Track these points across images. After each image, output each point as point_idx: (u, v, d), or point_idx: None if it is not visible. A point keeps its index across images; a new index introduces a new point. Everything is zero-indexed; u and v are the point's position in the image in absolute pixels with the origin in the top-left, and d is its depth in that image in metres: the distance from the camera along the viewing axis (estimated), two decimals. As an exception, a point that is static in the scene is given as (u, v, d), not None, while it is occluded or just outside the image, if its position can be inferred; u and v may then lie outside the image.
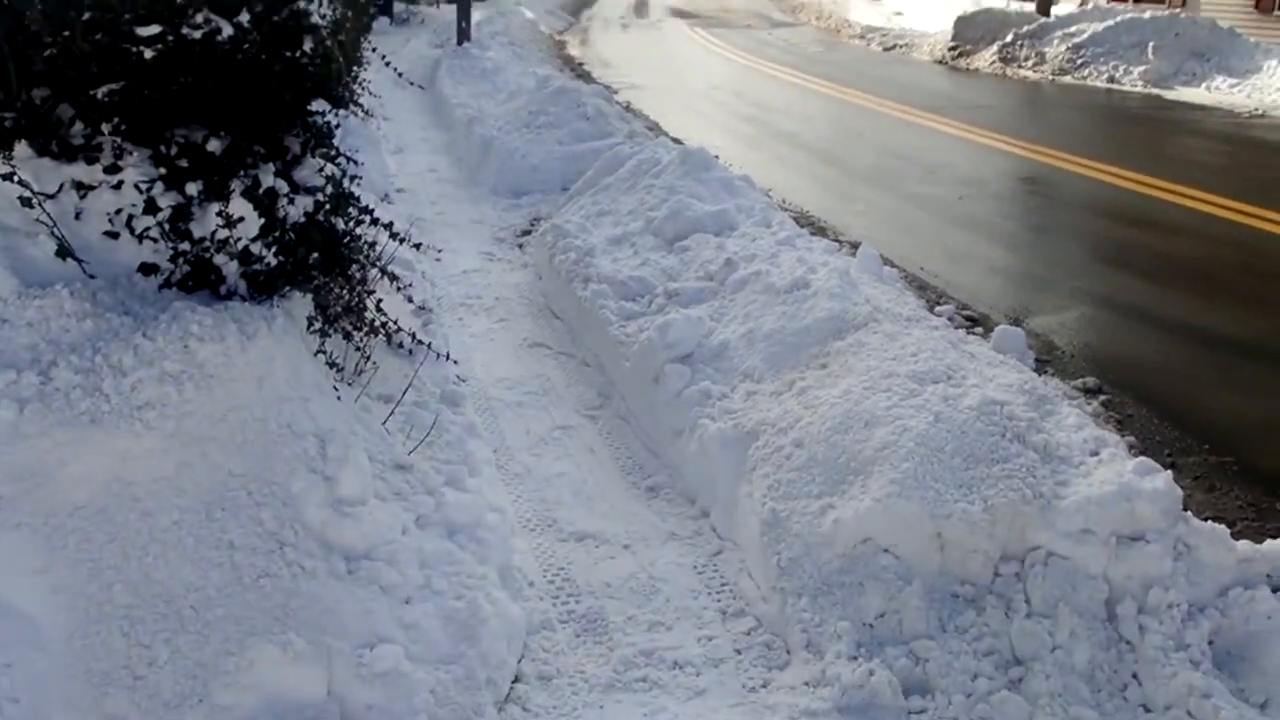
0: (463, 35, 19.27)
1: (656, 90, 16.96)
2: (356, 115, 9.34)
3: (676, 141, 10.95)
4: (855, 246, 6.76)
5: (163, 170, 3.55)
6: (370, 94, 9.57)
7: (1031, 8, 22.31)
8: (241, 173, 3.63)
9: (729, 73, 19.87)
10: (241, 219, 3.49)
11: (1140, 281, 7.35)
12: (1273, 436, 5.08)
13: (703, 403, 4.58)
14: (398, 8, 24.19)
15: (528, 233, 8.12)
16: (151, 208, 3.48)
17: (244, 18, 3.36)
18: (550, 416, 5.10)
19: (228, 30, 3.31)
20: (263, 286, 3.58)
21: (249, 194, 3.59)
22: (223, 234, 3.42)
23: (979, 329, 6.12)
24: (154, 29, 3.22)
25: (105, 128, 3.47)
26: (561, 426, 5.00)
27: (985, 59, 19.76)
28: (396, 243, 4.71)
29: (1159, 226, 8.72)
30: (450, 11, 21.56)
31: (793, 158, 11.87)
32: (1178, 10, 19.11)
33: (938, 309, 6.30)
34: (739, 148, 12.14)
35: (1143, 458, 3.76)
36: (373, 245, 4.52)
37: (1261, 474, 4.67)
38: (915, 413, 3.86)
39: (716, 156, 9.96)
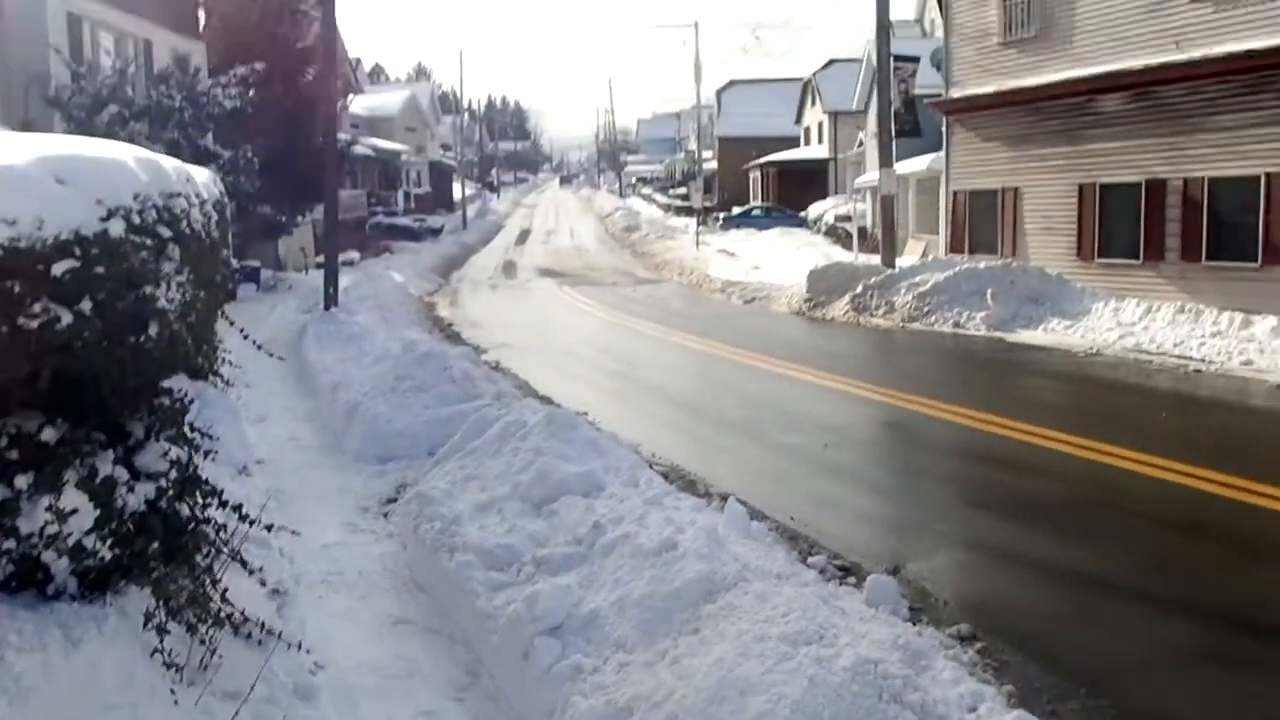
0: (330, 300, 19.43)
1: (525, 348, 17.23)
2: (215, 386, 9.19)
3: (544, 400, 11.05)
4: (724, 499, 6.78)
5: (-9, 463, 3.37)
6: (230, 364, 9.46)
7: (878, 260, 23.67)
8: (78, 462, 3.47)
9: (596, 329, 20.40)
10: (75, 511, 3.32)
11: (1004, 522, 7.51)
12: (1146, 674, 5.10)
13: (574, 678, 4.39)
14: (265, 274, 24.38)
15: (393, 500, 7.95)
16: (-26, 503, 3.27)
17: (85, 305, 3.29)
18: (415, 702, 4.81)
19: (67, 319, 3.23)
20: (95, 583, 3.36)
21: (84, 484, 3.43)
22: (52, 529, 3.23)
23: (852, 579, 6.10)
24: (-13, 320, 3.13)
25: (-71, 422, 3.30)
26: (426, 713, 4.71)
27: (839, 309, 20.72)
28: (247, 525, 4.52)
29: (1016, 466, 9.01)
30: (319, 277, 21.82)
31: (659, 411, 12.06)
32: (1010, 260, 20.48)
33: (810, 560, 6.28)
34: (607, 403, 12.28)
35: (1021, 711, 3.70)
36: (222, 528, 4.32)
37: (1139, 715, 4.64)
38: (789, 678, 3.76)
39: (584, 413, 10.05)
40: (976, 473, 9.09)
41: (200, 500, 3.99)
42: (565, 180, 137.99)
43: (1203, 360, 14.10)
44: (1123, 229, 19.18)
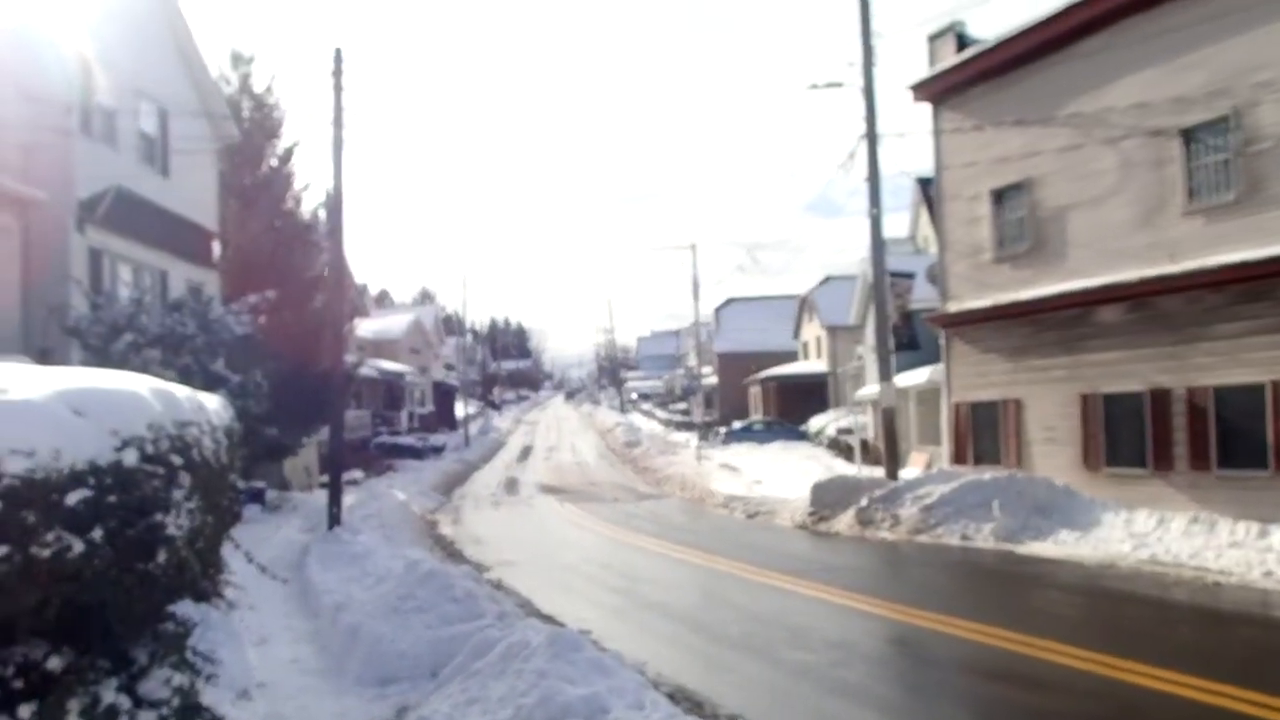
0: (333, 520, 19.45)
1: (527, 566, 17.10)
2: (219, 608, 9.11)
3: (547, 619, 10.92)
4: (732, 722, 6.62)
5: (-7, 694, 3.35)
6: (234, 585, 9.40)
7: (881, 472, 23.71)
8: (81, 690, 3.45)
9: (598, 545, 20.26)
10: (75, 743, 3.27)
11: (1019, 742, 7.30)
12: None
13: None
14: (270, 495, 24.41)
15: (393, 726, 7.74)
16: (-26, 736, 3.24)
17: (97, 534, 3.35)
18: None
19: (79, 548, 3.28)
20: (92, 819, 3.29)
21: (87, 713, 3.40)
22: (52, 763, 3.19)
23: (866, 806, 5.89)
24: (1, 549, 3.17)
25: (-66, 652, 3.30)
26: None
27: (844, 522, 20.62)
28: (246, 755, 4.43)
29: (1031, 683, 8.81)
30: (323, 496, 21.87)
31: (663, 628, 11.86)
32: (1015, 470, 20.50)
33: (822, 786, 6.08)
34: (610, 621, 12.11)
35: None
36: (221, 758, 4.24)
37: None
38: None
39: (588, 632, 9.91)
40: (990, 691, 8.87)
41: (200, 729, 3.93)
42: (570, 395, 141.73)
43: (1221, 572, 13.93)
44: (1129, 438, 19.29)
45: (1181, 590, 13.12)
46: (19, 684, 3.31)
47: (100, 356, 15.80)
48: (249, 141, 30.25)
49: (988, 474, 19.77)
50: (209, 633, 7.97)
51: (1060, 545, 16.86)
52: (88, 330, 16.27)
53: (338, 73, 21.14)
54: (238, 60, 32.31)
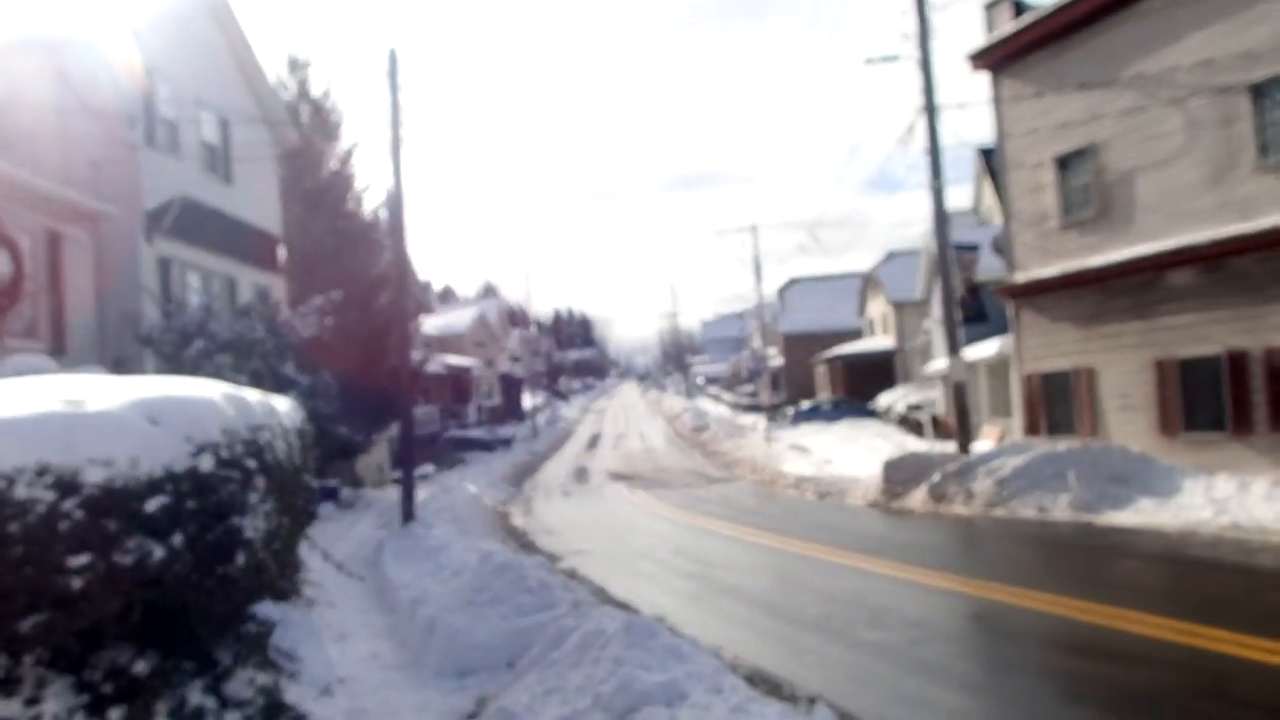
0: (407, 515, 19.69)
1: (600, 554, 17.17)
2: (298, 607, 9.28)
3: (622, 607, 10.94)
4: (812, 703, 6.60)
5: (85, 697, 3.43)
6: (312, 584, 9.57)
7: (953, 447, 23.45)
8: (168, 693, 3.52)
9: (669, 531, 20.28)
10: (165, 745, 3.34)
11: (1105, 716, 7.17)
12: None
13: None
14: (343, 492, 24.78)
15: (473, 716, 7.82)
16: (68, 740, 3.32)
17: (176, 540, 3.41)
18: None
19: (159, 553, 3.35)
20: (184, 818, 3.36)
21: (175, 716, 3.47)
22: (143, 765, 3.26)
23: (950, 785, 5.83)
24: (84, 558, 3.25)
25: (28, 659, 3.39)
26: None
27: (917, 499, 20.43)
28: (331, 750, 4.50)
29: (1116, 656, 8.65)
30: (396, 492, 22.16)
31: (738, 612, 11.84)
32: (1089, 440, 20.15)
33: (904, 767, 6.04)
34: (684, 606, 12.12)
35: None
36: (306, 755, 4.31)
37: None
38: None
39: (662, 619, 9.92)
40: (1073, 665, 8.73)
41: (285, 727, 4.00)
42: (642, 379, 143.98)
43: (1305, 535, 13.61)
44: (1206, 402, 18.87)
45: (1267, 556, 12.80)
46: (108, 688, 3.39)
47: (173, 363, 16.14)
48: (309, 145, 30.68)
49: (1062, 445, 19.45)
50: (289, 631, 8.12)
51: (1139, 514, 16.53)
52: (160, 338, 16.63)
53: (393, 73, 21.31)
54: (295, 66, 32.79)
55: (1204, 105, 18.69)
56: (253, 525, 3.75)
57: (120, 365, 16.38)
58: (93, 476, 3.27)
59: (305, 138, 29.69)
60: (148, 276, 18.19)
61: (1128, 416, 20.74)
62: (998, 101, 23.97)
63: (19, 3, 18.40)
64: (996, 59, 23.72)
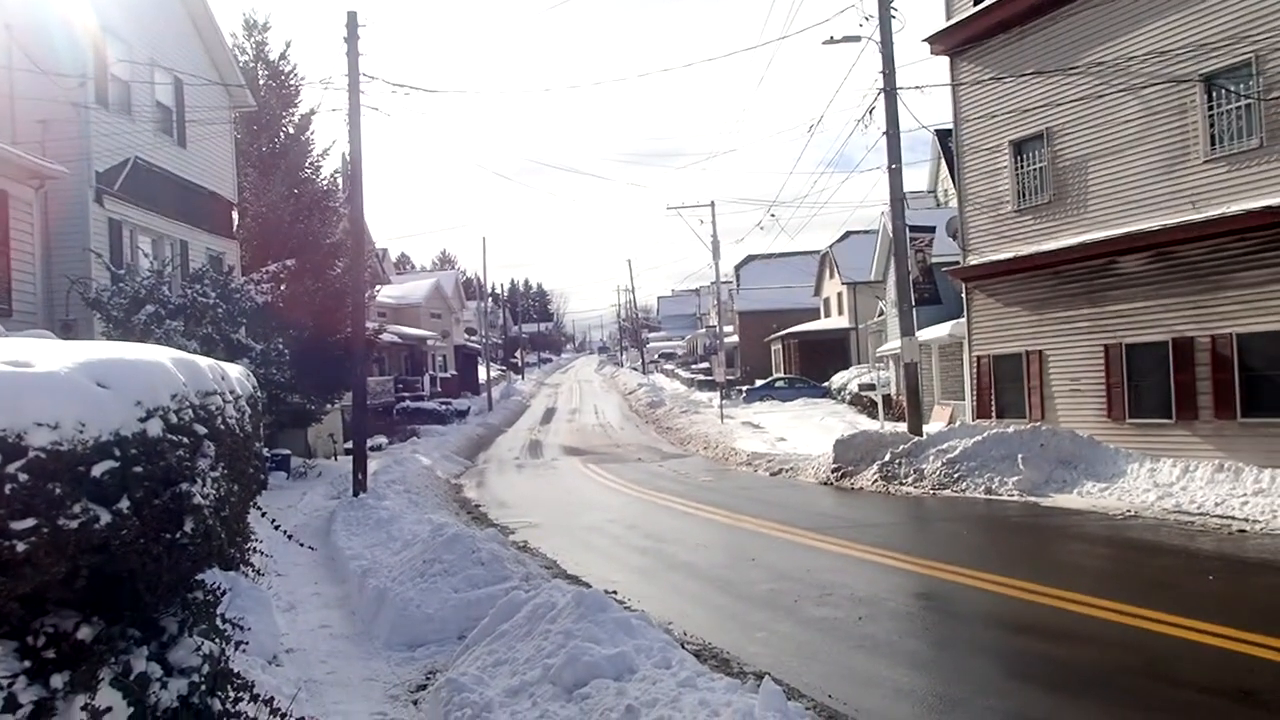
0: (359, 486, 19.59)
1: (552, 527, 17.20)
2: (247, 576, 9.21)
3: (573, 580, 11.00)
4: (759, 678, 6.64)
5: (28, 663, 3.39)
6: (262, 553, 9.49)
7: (904, 428, 23.68)
8: (112, 659, 3.49)
9: (623, 505, 20.34)
10: (109, 709, 3.32)
11: (1048, 694, 7.31)
12: None
13: None
14: (295, 462, 24.59)
15: (423, 687, 7.83)
16: (11, 704, 3.29)
17: (123, 504, 3.37)
18: None
19: (106, 518, 3.30)
20: (127, 783, 3.34)
21: (119, 682, 3.44)
22: (88, 728, 3.23)
23: (893, 759, 5.92)
24: (29, 522, 3.19)
25: (-32, 624, 3.34)
26: None
27: (867, 478, 20.63)
28: (278, 718, 4.48)
29: (1058, 635, 8.81)
30: (348, 463, 22.03)
31: (689, 587, 11.92)
32: (1039, 423, 20.43)
33: (849, 741, 6.11)
34: (636, 581, 12.18)
35: None
36: (253, 722, 4.30)
37: None
38: None
39: (614, 593, 9.98)
40: (1017, 643, 8.89)
41: (232, 694, 3.98)
42: (603, 351, 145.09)
43: (1246, 520, 13.90)
44: (1153, 388, 19.18)
45: (1207, 539, 13.09)
46: (50, 654, 3.35)
47: (122, 328, 15.89)
48: (265, 109, 30.27)
49: (1011, 427, 19.73)
50: (238, 600, 8.08)
51: (1085, 496, 16.84)
52: (109, 302, 16.36)
53: (352, 37, 21.03)
54: (252, 27, 32.25)
55: (1158, 94, 18.92)
56: (201, 492, 3.71)
57: (68, 329, 16.11)
58: (38, 439, 3.22)
59: (262, 101, 29.26)
60: (98, 239, 17.87)
61: (1076, 400, 21.04)
62: (955, 85, 24.10)
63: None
64: (955, 43, 23.83)
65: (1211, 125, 18.07)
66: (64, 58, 17.25)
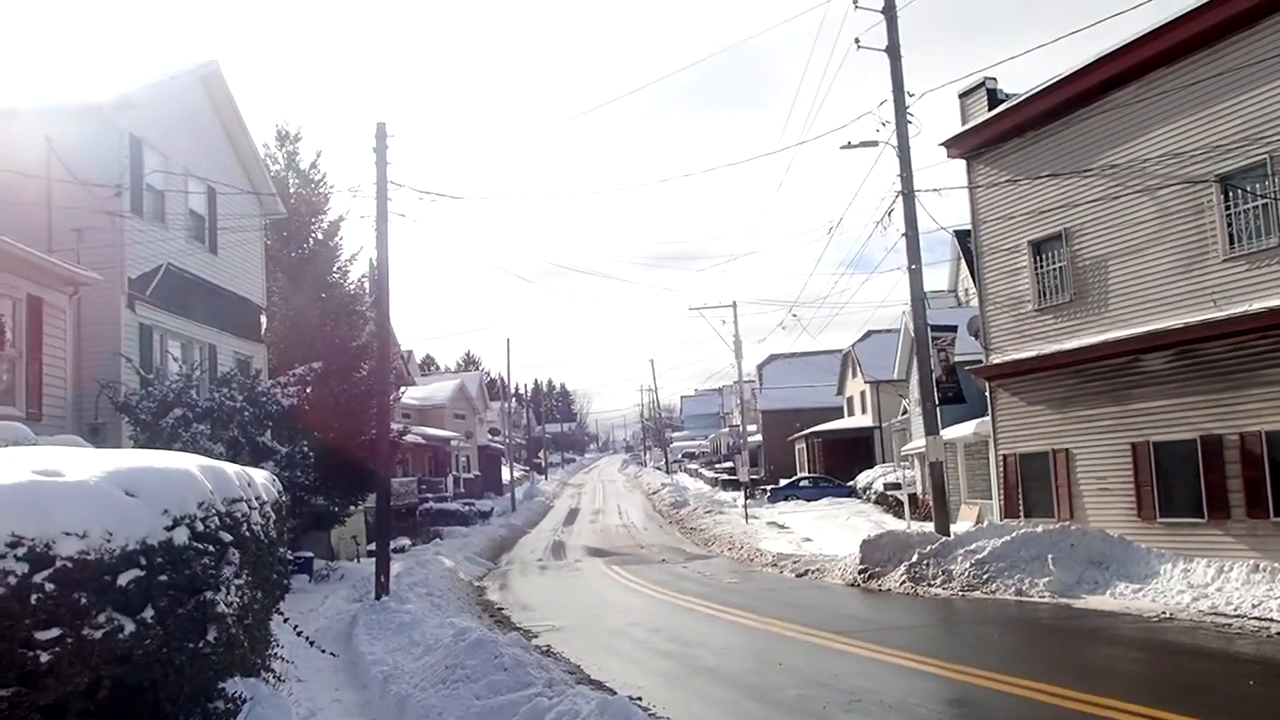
0: (381, 589, 19.46)
1: (575, 631, 17.00)
2: (267, 682, 9.14)
3: (597, 686, 10.84)
4: (786, 790, 6.51)
5: (47, 775, 3.38)
6: (283, 659, 9.43)
7: (931, 528, 23.42)
8: (132, 771, 3.47)
9: (646, 608, 20.10)
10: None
11: (1082, 805, 7.11)
12: None
13: None
14: (317, 564, 24.50)
15: (444, 799, 7.69)
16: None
17: (148, 613, 3.38)
18: None
19: (130, 628, 3.32)
20: None
21: (138, 795, 3.41)
22: None
23: None
24: (54, 632, 3.21)
25: (-10, 737, 3.34)
26: None
27: (895, 579, 20.34)
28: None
29: (1090, 742, 8.61)
30: (371, 565, 21.92)
31: (715, 693, 11.71)
32: (1068, 522, 20.18)
33: None
34: (661, 687, 11.98)
35: None
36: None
37: None
38: None
39: (638, 699, 9.84)
40: (1050, 751, 8.67)
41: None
42: (627, 449, 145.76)
43: (1285, 621, 13.60)
44: (1182, 487, 18.96)
45: (1245, 642, 12.79)
46: (71, 766, 3.33)
47: (150, 431, 16.05)
48: (295, 216, 30.88)
49: (1040, 526, 19.46)
50: (258, 708, 7.99)
51: (1118, 598, 16.53)
52: (138, 406, 16.55)
53: (381, 147, 21.52)
54: (284, 138, 33.10)
55: (1174, 195, 19.07)
56: (225, 600, 3.73)
57: (97, 432, 16.28)
58: (66, 549, 3.26)
59: (292, 209, 29.88)
60: (128, 344, 18.16)
61: (1105, 499, 20.80)
62: (973, 188, 24.38)
63: (9, 68, 18.59)
64: (971, 147, 24.18)
65: (1229, 224, 18.18)
66: (101, 168, 17.75)
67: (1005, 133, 23.02)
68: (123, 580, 3.37)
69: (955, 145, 24.60)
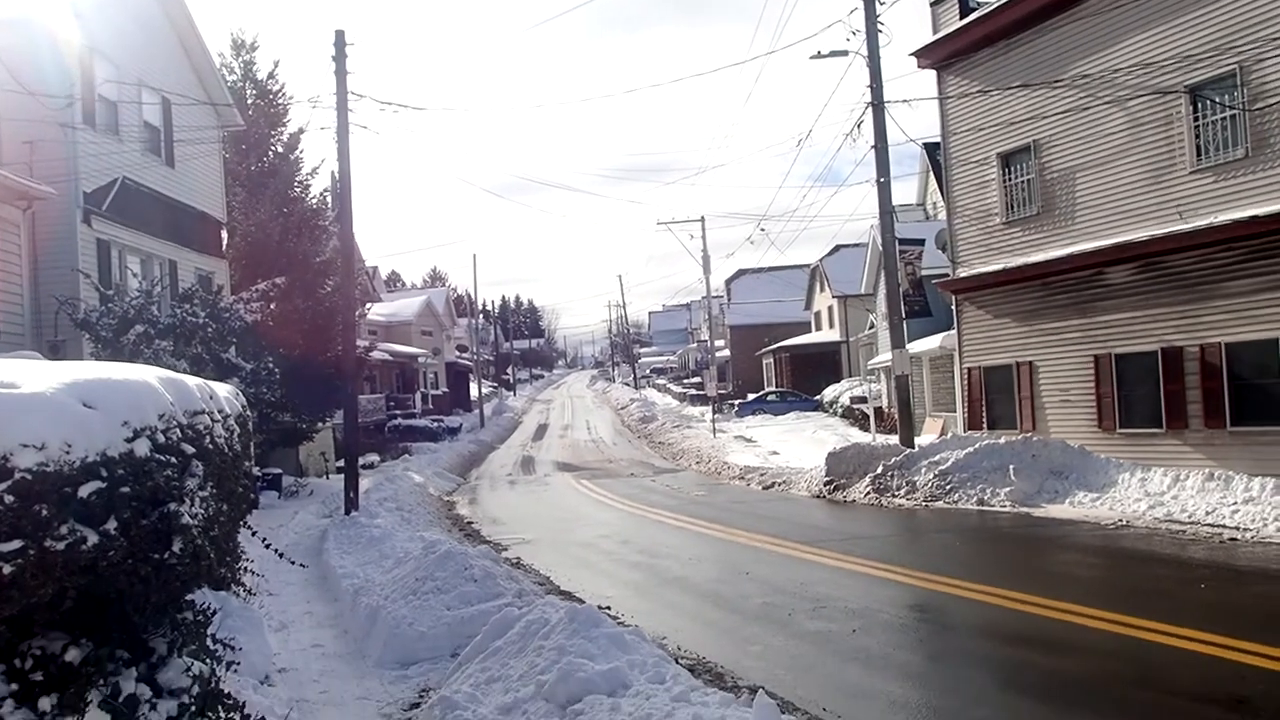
0: (350, 504, 19.52)
1: (545, 544, 17.16)
2: (238, 595, 9.16)
3: (566, 596, 10.96)
4: (753, 692, 6.62)
5: (15, 686, 3.37)
6: (253, 573, 9.44)
7: (896, 440, 23.69)
8: (101, 681, 3.47)
9: (615, 521, 20.30)
10: (97, 733, 3.29)
11: (1042, 705, 7.31)
12: None
13: None
14: (286, 481, 24.50)
15: (416, 705, 7.79)
16: (-3, 730, 3.27)
17: (111, 525, 3.35)
18: None
19: (93, 539, 3.29)
20: (116, 807, 3.31)
21: (107, 704, 3.42)
22: (74, 753, 3.21)
23: (888, 773, 5.90)
24: (15, 544, 3.17)
25: (-46, 648, 3.32)
26: None
27: (860, 491, 20.63)
28: (269, 739, 4.46)
29: (1052, 645, 8.81)
30: (340, 481, 21.96)
31: (683, 602, 11.89)
32: (1030, 434, 20.46)
33: (844, 754, 6.09)
34: (629, 596, 12.16)
35: None
36: (243, 744, 4.27)
37: None
38: None
39: (607, 608, 9.96)
40: (1011, 654, 8.88)
41: (223, 715, 3.96)
42: (596, 365, 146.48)
43: (1237, 528, 13.94)
44: (1143, 398, 19.22)
45: (1198, 548, 13.10)
46: (38, 676, 3.33)
47: (111, 349, 15.85)
48: (254, 128, 30.29)
49: (1003, 438, 19.74)
50: (229, 620, 8.03)
51: (1077, 506, 16.86)
52: (98, 323, 16.31)
53: (340, 56, 21.05)
54: (240, 47, 32.32)
55: (1144, 106, 19.01)
56: (190, 512, 3.69)
57: (57, 350, 16.06)
58: (24, 461, 3.21)
59: (251, 121, 29.28)
60: (86, 259, 17.83)
61: (1067, 411, 21.08)
62: (943, 99, 24.21)
63: (-46, -23, 17.95)
64: (942, 56, 23.94)
65: (1197, 136, 18.17)
66: (51, 78, 17.23)
67: (976, 42, 22.80)
68: (84, 492, 3.33)
69: (926, 55, 24.35)
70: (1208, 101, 17.96)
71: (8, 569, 3.21)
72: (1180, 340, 18.39)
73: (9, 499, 3.17)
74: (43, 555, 3.25)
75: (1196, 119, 18.16)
